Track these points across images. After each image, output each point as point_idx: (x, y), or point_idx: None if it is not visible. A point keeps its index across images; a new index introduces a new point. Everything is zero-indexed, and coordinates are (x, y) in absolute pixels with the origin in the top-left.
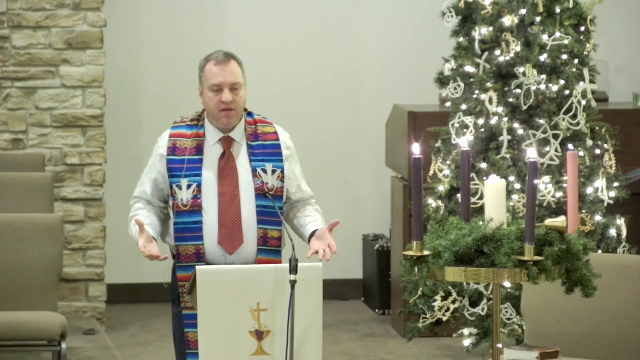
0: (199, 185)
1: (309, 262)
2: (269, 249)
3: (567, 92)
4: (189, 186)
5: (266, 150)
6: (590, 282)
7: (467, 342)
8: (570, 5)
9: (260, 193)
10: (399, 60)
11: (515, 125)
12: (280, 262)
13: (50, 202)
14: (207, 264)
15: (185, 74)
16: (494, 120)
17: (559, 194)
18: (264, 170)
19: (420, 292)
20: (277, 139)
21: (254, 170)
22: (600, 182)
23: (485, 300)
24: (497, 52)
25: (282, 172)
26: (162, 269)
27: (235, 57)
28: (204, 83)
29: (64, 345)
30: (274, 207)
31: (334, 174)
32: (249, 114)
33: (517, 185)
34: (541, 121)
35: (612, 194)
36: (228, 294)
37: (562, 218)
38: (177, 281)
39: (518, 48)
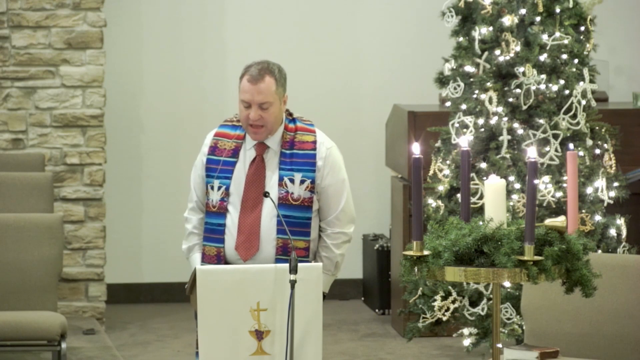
0: (227, 188)
1: (309, 262)
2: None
3: (567, 92)
4: (219, 188)
5: (298, 160)
6: (590, 282)
7: (467, 342)
8: (570, 5)
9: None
10: (399, 60)
11: (515, 125)
12: None
13: (50, 202)
14: None
15: (186, 74)
16: (494, 120)
17: (559, 194)
18: (292, 180)
19: (420, 292)
20: (314, 149)
21: (280, 179)
22: (600, 182)
23: (485, 300)
24: (497, 52)
25: (312, 182)
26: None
27: (272, 72)
28: (239, 94)
29: (64, 345)
30: (302, 218)
31: None
32: (293, 120)
33: (517, 185)
34: (541, 121)
35: (612, 194)
36: (228, 294)
37: (562, 218)
38: None
39: (518, 48)
